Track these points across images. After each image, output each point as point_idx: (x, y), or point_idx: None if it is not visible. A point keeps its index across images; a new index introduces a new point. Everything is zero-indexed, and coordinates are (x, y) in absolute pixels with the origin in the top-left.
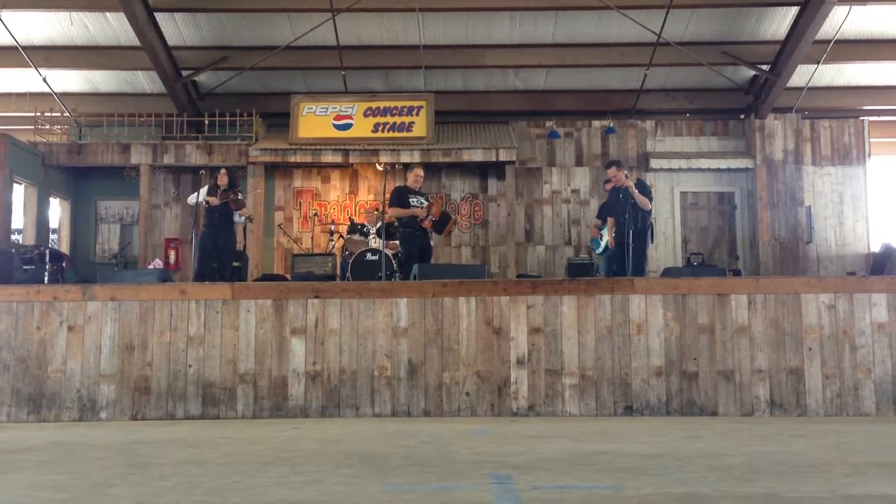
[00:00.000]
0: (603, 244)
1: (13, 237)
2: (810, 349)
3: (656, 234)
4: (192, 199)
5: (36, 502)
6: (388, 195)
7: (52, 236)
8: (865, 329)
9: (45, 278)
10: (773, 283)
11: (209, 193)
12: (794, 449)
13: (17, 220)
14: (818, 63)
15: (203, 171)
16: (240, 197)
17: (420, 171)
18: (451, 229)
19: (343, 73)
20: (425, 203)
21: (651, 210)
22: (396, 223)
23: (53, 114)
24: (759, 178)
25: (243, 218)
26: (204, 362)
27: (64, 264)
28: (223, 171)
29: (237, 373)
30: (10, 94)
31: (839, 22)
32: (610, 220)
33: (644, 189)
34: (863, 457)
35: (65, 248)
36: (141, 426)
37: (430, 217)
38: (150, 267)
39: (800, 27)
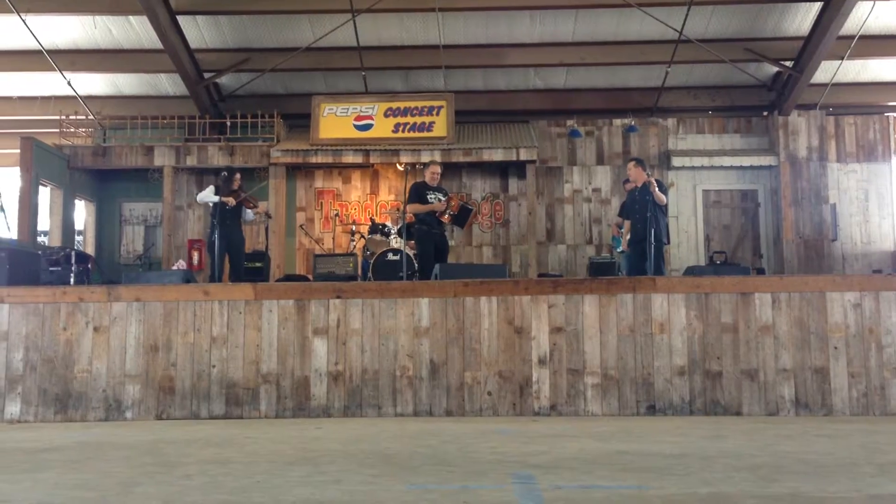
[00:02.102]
0: (624, 243)
1: (39, 239)
2: (836, 348)
3: (679, 233)
4: (204, 198)
5: (64, 501)
6: (408, 194)
7: (78, 238)
8: (892, 328)
9: (71, 279)
10: (797, 281)
11: (220, 193)
12: (820, 449)
13: (44, 221)
14: (842, 59)
15: (225, 173)
16: (249, 194)
17: (437, 168)
18: (472, 222)
19: (363, 73)
20: (443, 198)
21: (667, 208)
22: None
23: (78, 117)
24: (782, 176)
25: (256, 215)
26: (227, 362)
27: (89, 265)
28: (238, 174)
29: (260, 373)
30: (35, 98)
31: (863, 17)
32: (626, 223)
33: (661, 187)
34: (889, 456)
35: (90, 249)
36: (166, 426)
37: (448, 211)
38: (174, 268)
39: (823, 23)
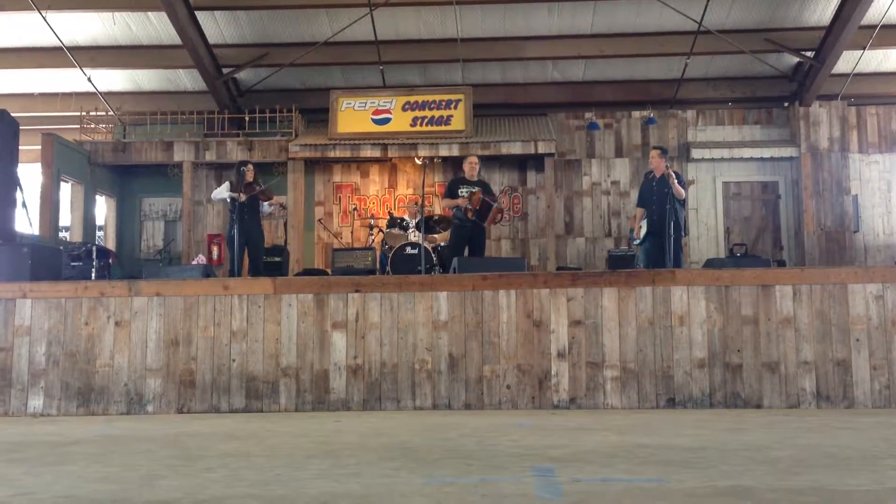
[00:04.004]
0: (642, 235)
1: (61, 234)
2: (858, 340)
3: (699, 225)
4: (218, 195)
5: (87, 493)
6: (427, 189)
7: (99, 233)
8: None
9: (93, 274)
10: (818, 273)
11: (233, 188)
12: (841, 441)
13: (65, 217)
14: (864, 49)
15: (244, 168)
16: (265, 187)
17: (473, 160)
18: (497, 218)
19: (381, 67)
20: (475, 192)
21: (685, 201)
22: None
23: (98, 113)
24: (803, 167)
25: (273, 207)
26: (247, 356)
27: (110, 260)
28: (250, 165)
29: (279, 367)
30: (56, 94)
31: (885, 6)
32: (639, 211)
33: (680, 180)
34: None
35: (111, 244)
36: (187, 419)
37: (469, 207)
38: (194, 262)
39: (845, 12)
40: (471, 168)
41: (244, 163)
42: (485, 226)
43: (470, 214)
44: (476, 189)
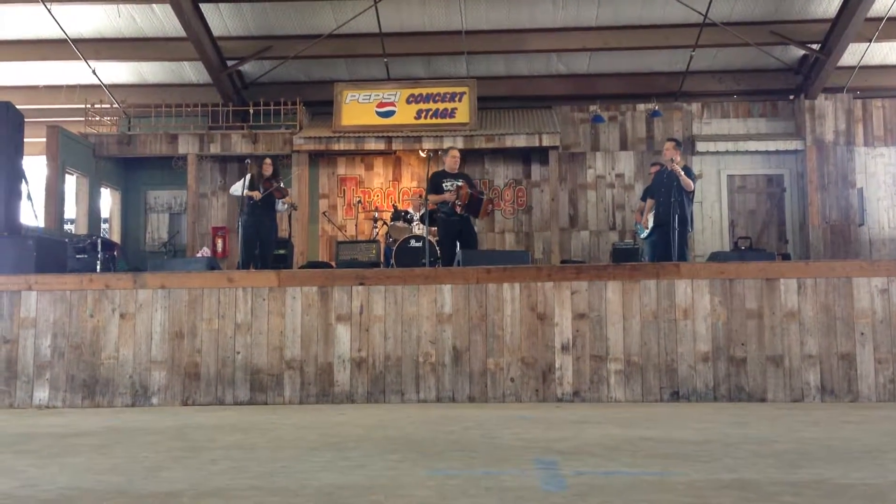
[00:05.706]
0: (650, 226)
1: (66, 227)
2: (862, 334)
3: (703, 218)
4: (235, 190)
5: (92, 485)
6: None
7: (104, 226)
8: None
9: (98, 267)
10: (823, 267)
11: (251, 183)
12: (845, 435)
13: (70, 210)
14: (870, 41)
15: (248, 161)
16: (282, 185)
17: (455, 153)
18: (489, 210)
19: (385, 60)
20: (460, 185)
21: (693, 194)
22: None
23: (103, 105)
24: (809, 160)
25: (286, 206)
26: (251, 349)
27: (115, 253)
28: (268, 160)
29: (284, 359)
30: (60, 87)
31: None
32: (649, 202)
33: (689, 174)
34: None
35: (116, 237)
36: (191, 411)
37: (457, 202)
38: (199, 255)
39: (851, 4)
40: (453, 161)
41: (262, 157)
42: (478, 219)
43: (458, 209)
44: (461, 182)
